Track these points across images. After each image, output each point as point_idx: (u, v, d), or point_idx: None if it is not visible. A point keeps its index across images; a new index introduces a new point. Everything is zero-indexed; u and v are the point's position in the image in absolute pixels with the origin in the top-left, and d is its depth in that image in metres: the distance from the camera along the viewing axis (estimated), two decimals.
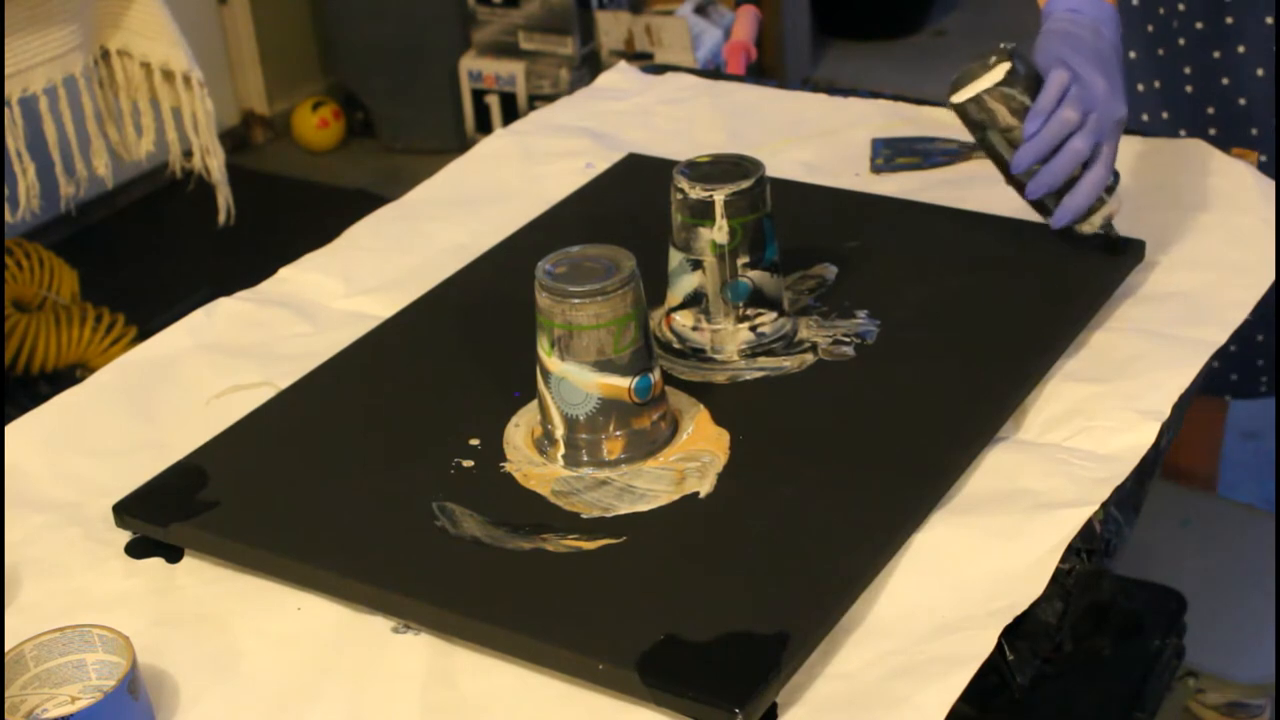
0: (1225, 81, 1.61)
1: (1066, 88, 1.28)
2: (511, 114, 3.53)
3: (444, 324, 1.36)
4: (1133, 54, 1.67)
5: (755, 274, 1.26)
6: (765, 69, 3.72)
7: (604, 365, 1.13)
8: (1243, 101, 1.61)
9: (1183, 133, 1.60)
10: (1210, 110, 1.64)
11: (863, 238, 1.42)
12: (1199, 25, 1.60)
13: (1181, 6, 1.60)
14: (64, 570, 1.13)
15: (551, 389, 1.15)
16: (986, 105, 1.31)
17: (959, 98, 1.32)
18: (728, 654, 0.97)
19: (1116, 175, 1.36)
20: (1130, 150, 1.58)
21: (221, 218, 2.40)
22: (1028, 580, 1.04)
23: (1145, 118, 1.68)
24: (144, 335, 1.80)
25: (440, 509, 1.12)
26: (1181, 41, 1.62)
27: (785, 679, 0.97)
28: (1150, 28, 1.65)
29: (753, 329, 1.27)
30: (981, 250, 1.41)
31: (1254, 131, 1.62)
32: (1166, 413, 1.19)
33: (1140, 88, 1.68)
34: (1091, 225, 1.35)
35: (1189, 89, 1.64)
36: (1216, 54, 1.60)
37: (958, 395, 1.20)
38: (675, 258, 1.28)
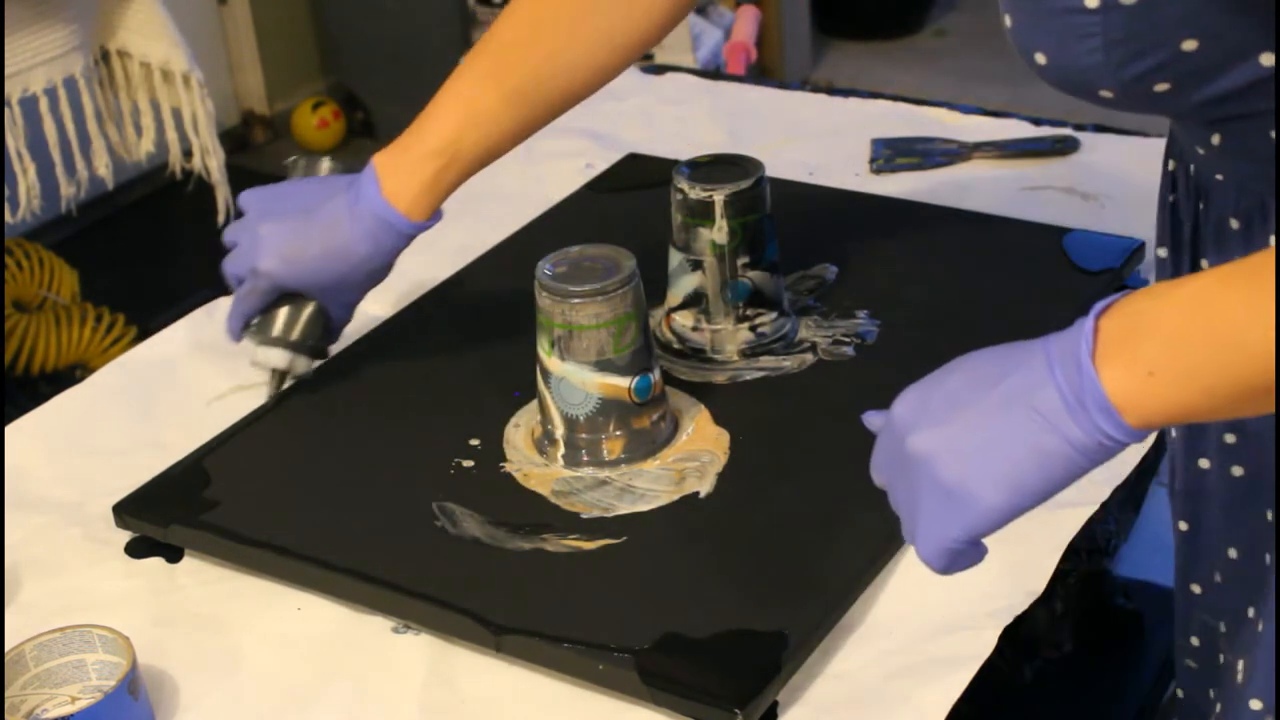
0: None
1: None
2: None
3: (444, 324, 1.36)
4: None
5: (755, 274, 1.26)
6: (765, 69, 3.72)
7: (604, 365, 1.13)
8: None
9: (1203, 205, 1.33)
10: None
11: (863, 238, 1.42)
12: None
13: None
14: (64, 570, 1.13)
15: (551, 389, 1.15)
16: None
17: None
18: (728, 654, 0.97)
19: None
20: (1131, 150, 1.58)
21: (221, 218, 2.39)
22: (1028, 580, 1.04)
23: None
24: (144, 335, 1.80)
25: (440, 509, 1.12)
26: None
27: (785, 679, 0.97)
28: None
29: (753, 329, 1.27)
30: (981, 250, 1.41)
31: None
32: None
33: None
34: None
35: None
36: None
37: None
38: (675, 258, 1.28)
